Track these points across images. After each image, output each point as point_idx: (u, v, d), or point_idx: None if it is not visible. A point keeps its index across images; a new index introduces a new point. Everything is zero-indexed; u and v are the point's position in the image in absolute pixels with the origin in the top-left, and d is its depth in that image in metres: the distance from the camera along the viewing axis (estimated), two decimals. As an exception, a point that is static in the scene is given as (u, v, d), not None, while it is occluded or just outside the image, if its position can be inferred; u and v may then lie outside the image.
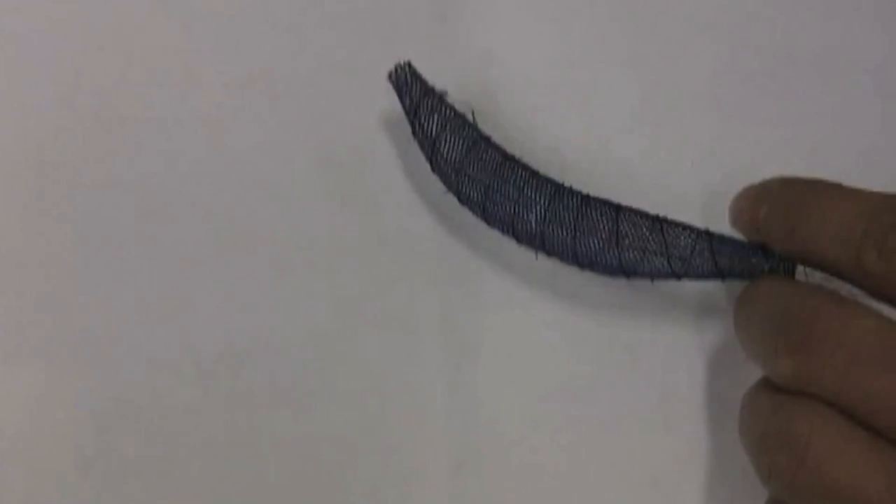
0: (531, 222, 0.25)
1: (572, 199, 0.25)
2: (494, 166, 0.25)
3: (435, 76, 0.26)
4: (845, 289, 0.21)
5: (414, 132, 0.26)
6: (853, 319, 0.20)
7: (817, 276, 0.23)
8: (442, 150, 0.26)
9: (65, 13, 0.30)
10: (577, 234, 0.24)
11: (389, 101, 0.27)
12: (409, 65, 0.26)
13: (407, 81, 0.26)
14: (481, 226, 0.27)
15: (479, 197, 0.26)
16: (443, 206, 0.27)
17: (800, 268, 0.23)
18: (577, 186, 0.25)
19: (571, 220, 0.24)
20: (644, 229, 0.24)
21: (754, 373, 0.23)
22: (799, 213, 0.22)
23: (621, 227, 0.24)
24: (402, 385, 0.27)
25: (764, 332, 0.22)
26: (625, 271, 0.24)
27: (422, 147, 0.26)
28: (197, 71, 0.29)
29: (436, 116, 0.26)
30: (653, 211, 0.24)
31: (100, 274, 0.28)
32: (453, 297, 0.27)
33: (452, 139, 0.26)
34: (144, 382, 0.27)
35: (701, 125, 0.28)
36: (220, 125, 0.29)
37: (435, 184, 0.27)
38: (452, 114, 0.26)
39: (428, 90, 0.26)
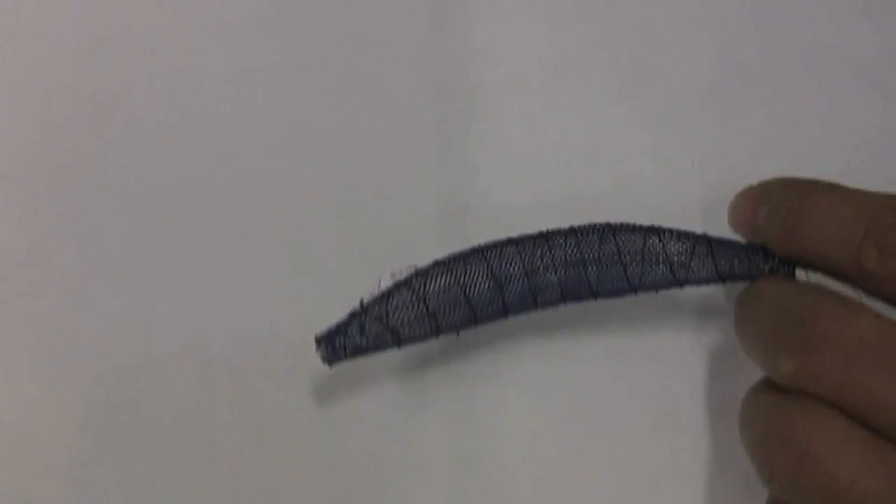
0: (552, 281, 0.24)
1: (566, 240, 0.24)
2: (487, 267, 0.24)
3: (434, 76, 0.26)
4: (844, 289, 0.21)
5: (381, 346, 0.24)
6: (853, 319, 0.20)
7: (817, 277, 0.23)
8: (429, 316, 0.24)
9: (62, 12, 0.30)
10: (600, 268, 0.24)
11: (390, 102, 0.26)
12: (322, 339, 0.24)
13: (343, 344, 0.24)
14: (479, 229, 0.27)
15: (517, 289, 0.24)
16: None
17: (800, 268, 0.23)
18: (576, 186, 0.25)
19: (591, 254, 0.24)
20: (643, 241, 0.24)
21: (754, 373, 0.23)
22: (799, 214, 0.22)
23: (621, 245, 0.24)
24: (403, 385, 0.27)
25: (764, 333, 0.22)
26: (631, 287, 0.24)
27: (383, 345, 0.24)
28: (196, 70, 0.29)
29: (389, 318, 0.24)
30: (653, 211, 0.24)
31: (99, 272, 0.27)
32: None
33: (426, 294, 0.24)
34: (144, 381, 0.27)
35: (701, 125, 0.28)
36: (220, 124, 0.29)
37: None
38: (397, 299, 0.24)
39: (355, 329, 0.24)
